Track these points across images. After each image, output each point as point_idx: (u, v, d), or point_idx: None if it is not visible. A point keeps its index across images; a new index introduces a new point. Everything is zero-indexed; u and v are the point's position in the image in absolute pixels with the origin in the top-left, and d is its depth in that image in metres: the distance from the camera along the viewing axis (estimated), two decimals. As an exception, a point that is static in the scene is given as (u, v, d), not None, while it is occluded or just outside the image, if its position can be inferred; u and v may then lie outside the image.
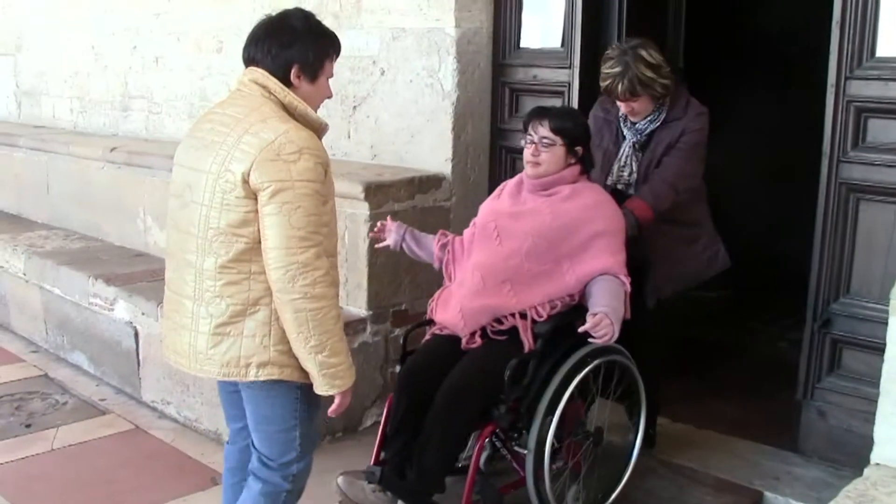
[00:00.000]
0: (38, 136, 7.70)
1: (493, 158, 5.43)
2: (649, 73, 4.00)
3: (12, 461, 4.64)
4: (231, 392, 3.21)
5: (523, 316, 3.66)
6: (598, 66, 4.23)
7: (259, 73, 2.95)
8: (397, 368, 3.89)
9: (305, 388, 2.99)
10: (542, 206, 3.77)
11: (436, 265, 4.03)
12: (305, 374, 2.95)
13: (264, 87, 2.94)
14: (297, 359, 2.92)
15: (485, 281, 3.71)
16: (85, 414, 5.28)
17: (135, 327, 5.40)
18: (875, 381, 3.91)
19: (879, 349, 3.89)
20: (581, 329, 3.48)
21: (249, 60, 3.00)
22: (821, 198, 4.21)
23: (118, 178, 6.63)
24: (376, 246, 4.21)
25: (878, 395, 3.74)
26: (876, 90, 4.00)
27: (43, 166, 7.44)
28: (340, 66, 5.47)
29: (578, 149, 3.79)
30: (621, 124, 4.27)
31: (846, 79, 4.07)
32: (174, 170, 3.09)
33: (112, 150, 6.67)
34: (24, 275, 6.43)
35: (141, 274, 5.82)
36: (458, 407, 3.56)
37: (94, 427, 5.10)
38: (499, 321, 3.69)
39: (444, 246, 3.99)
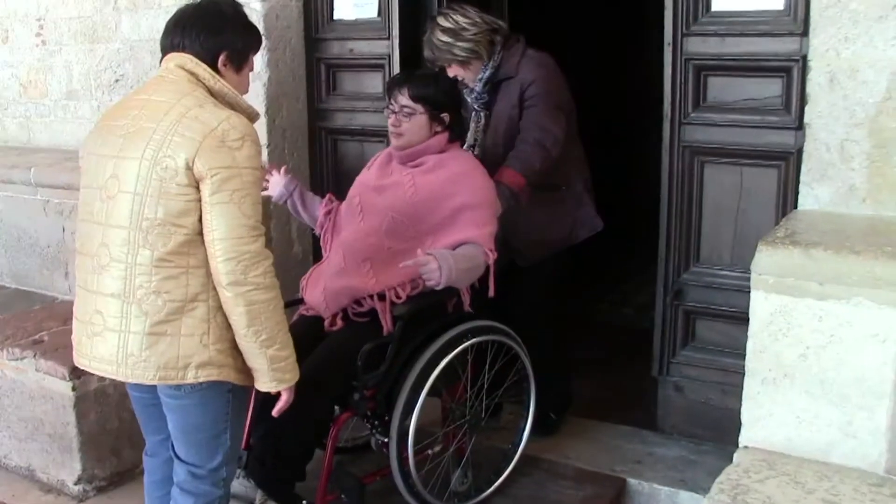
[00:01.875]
0: None
1: (313, 141, 5.11)
2: (445, 38, 3.92)
3: None
4: (148, 405, 3.08)
5: (382, 297, 3.51)
6: (420, 36, 4.11)
7: (187, 59, 2.88)
8: None
9: (236, 389, 2.92)
10: (405, 178, 3.62)
11: (317, 231, 3.89)
12: (241, 374, 2.87)
13: (193, 74, 2.86)
14: (233, 358, 2.83)
15: (346, 260, 3.59)
16: None
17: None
18: (731, 350, 3.97)
19: (734, 317, 3.94)
20: (402, 264, 3.37)
21: (173, 46, 2.92)
22: (664, 162, 4.06)
23: None
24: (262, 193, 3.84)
25: (734, 365, 3.76)
26: (714, 46, 3.85)
27: None
28: (136, 49, 5.17)
29: (444, 116, 3.61)
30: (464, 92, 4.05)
31: (683, 35, 3.91)
32: (86, 160, 2.93)
33: None
34: None
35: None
36: (311, 394, 3.29)
37: None
38: (359, 303, 3.55)
39: (328, 213, 3.83)
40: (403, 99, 3.57)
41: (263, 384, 2.87)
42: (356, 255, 3.58)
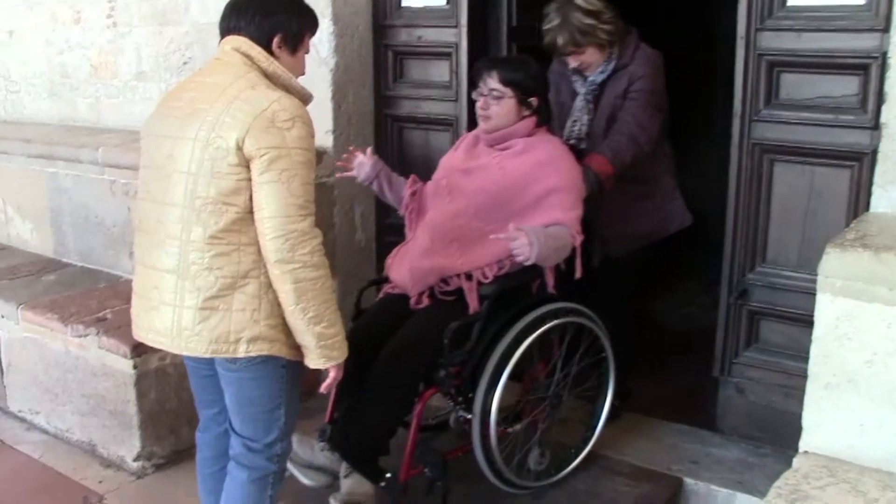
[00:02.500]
0: None
1: (378, 128, 5.09)
2: (588, 21, 3.90)
3: None
4: (205, 376, 3.14)
5: (469, 277, 3.58)
6: (487, 24, 4.20)
7: (242, 41, 2.92)
8: (349, 325, 3.67)
9: (290, 364, 2.97)
10: (492, 162, 3.65)
11: (401, 211, 3.90)
12: (293, 349, 2.92)
13: (247, 56, 2.91)
14: (285, 334, 2.89)
15: (433, 240, 3.65)
16: (-59, 433, 4.83)
17: (-6, 332, 4.96)
18: (794, 353, 3.89)
19: (798, 320, 3.86)
20: (493, 236, 3.41)
21: (229, 30, 2.97)
22: (733, 160, 3.98)
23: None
24: (338, 175, 4.01)
25: (797, 368, 3.71)
26: (788, 42, 3.75)
27: None
28: (203, 32, 5.19)
29: (532, 100, 3.62)
30: (572, 78, 4.14)
31: (756, 30, 3.82)
32: (146, 140, 3.00)
33: (-37, 134, 6.19)
34: None
35: (1, 271, 5.38)
36: (398, 370, 3.49)
37: (-49, 448, 4.67)
38: (446, 282, 3.63)
39: (413, 194, 3.85)
40: (493, 82, 3.58)
41: (312, 361, 2.92)
42: (444, 235, 3.64)
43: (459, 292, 3.59)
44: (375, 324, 3.67)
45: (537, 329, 3.60)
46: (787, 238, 3.93)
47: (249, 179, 2.75)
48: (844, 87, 3.68)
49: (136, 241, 3.03)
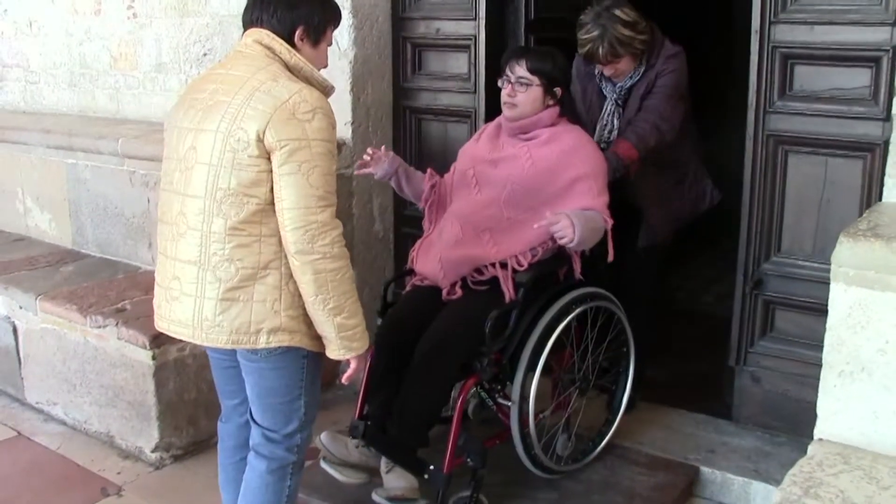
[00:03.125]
0: None
1: (397, 120, 5.12)
2: (628, 32, 3.94)
3: None
4: (227, 367, 3.15)
5: (503, 265, 3.60)
6: (505, 17, 4.25)
7: (264, 34, 2.93)
8: (378, 321, 3.78)
9: (311, 355, 3.00)
10: (520, 151, 3.72)
11: (421, 205, 3.95)
12: (314, 340, 2.94)
13: (269, 49, 2.92)
14: (306, 325, 2.90)
15: (463, 231, 3.68)
16: (-39, 423, 4.87)
17: (13, 322, 4.96)
18: (810, 342, 3.89)
19: (813, 309, 3.87)
20: (538, 225, 3.44)
21: (251, 22, 2.98)
22: (748, 151, 4.01)
23: (-8, 156, 6.20)
24: (356, 173, 3.96)
25: (812, 357, 3.68)
26: (802, 35, 3.78)
27: None
28: (224, 24, 5.22)
29: (557, 90, 3.72)
30: (601, 82, 4.21)
31: (770, 23, 3.84)
32: (169, 132, 3.01)
33: (-17, 125, 6.23)
34: None
35: (19, 262, 5.43)
36: (438, 360, 3.50)
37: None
38: (479, 271, 3.65)
39: (433, 186, 3.91)
40: (521, 70, 3.65)
41: (333, 352, 2.93)
42: (475, 225, 3.67)
43: (492, 281, 3.61)
44: (407, 318, 3.68)
45: (570, 313, 3.67)
46: (802, 228, 3.95)
47: (270, 171, 2.76)
48: (856, 79, 3.71)
49: (158, 231, 3.05)
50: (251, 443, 3.14)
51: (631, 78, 4.10)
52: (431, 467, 3.49)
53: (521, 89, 3.65)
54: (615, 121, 4.15)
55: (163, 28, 5.58)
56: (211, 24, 5.32)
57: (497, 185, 3.70)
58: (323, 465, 3.60)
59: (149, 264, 5.12)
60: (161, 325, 3.05)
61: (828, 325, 3.12)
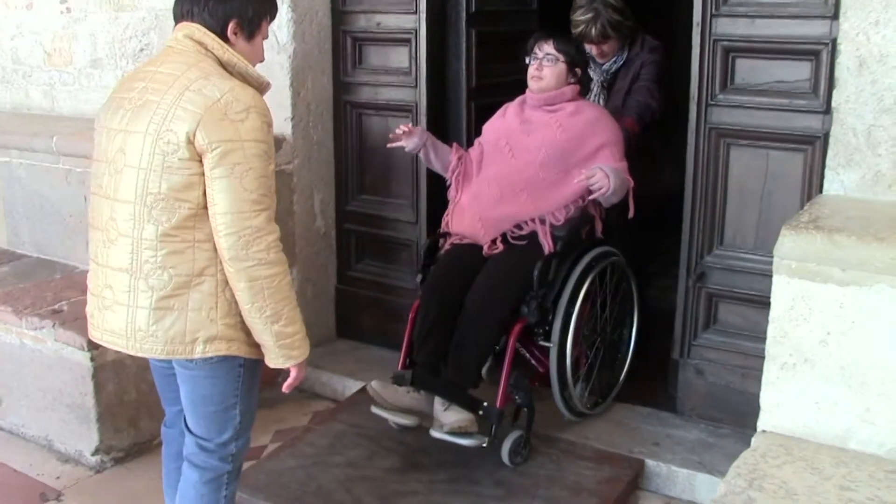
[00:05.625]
0: None
1: (338, 115, 5.08)
2: (617, 17, 4.51)
3: None
4: (168, 374, 3.07)
5: (542, 221, 4.00)
6: (446, 11, 4.42)
7: (195, 28, 2.82)
8: (418, 278, 4.19)
9: (248, 363, 2.91)
10: (550, 120, 4.10)
11: (448, 175, 4.26)
12: (252, 348, 2.86)
13: (200, 44, 2.81)
14: (244, 332, 2.82)
15: (502, 191, 4.06)
16: None
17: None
18: (752, 334, 3.97)
19: (756, 301, 3.92)
20: (578, 180, 3.89)
21: (182, 15, 2.87)
22: (690, 144, 4.02)
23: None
24: (389, 146, 4.31)
25: (754, 349, 3.82)
26: (743, 28, 3.80)
27: None
28: (161, 18, 5.12)
29: (577, 70, 4.16)
30: (589, 66, 4.48)
31: (712, 16, 3.86)
32: (98, 133, 2.91)
33: None
34: None
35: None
36: (490, 308, 3.87)
37: None
38: (519, 227, 4.04)
39: (459, 158, 4.24)
40: (548, 48, 4.08)
41: (272, 360, 2.86)
42: (513, 186, 4.05)
43: (530, 236, 4.00)
44: (453, 271, 4.05)
45: (597, 266, 4.12)
46: (744, 220, 3.97)
47: (202, 174, 2.67)
48: (797, 72, 3.73)
49: (89, 237, 2.97)
50: (185, 452, 3.06)
51: (615, 62, 4.66)
52: (485, 404, 3.82)
53: (548, 64, 4.07)
54: (601, 101, 4.62)
55: (98, 22, 5.49)
56: (147, 19, 5.24)
57: (532, 149, 4.06)
58: (374, 410, 3.94)
59: (87, 264, 4.85)
60: (95, 334, 2.97)
61: (770, 318, 3.17)
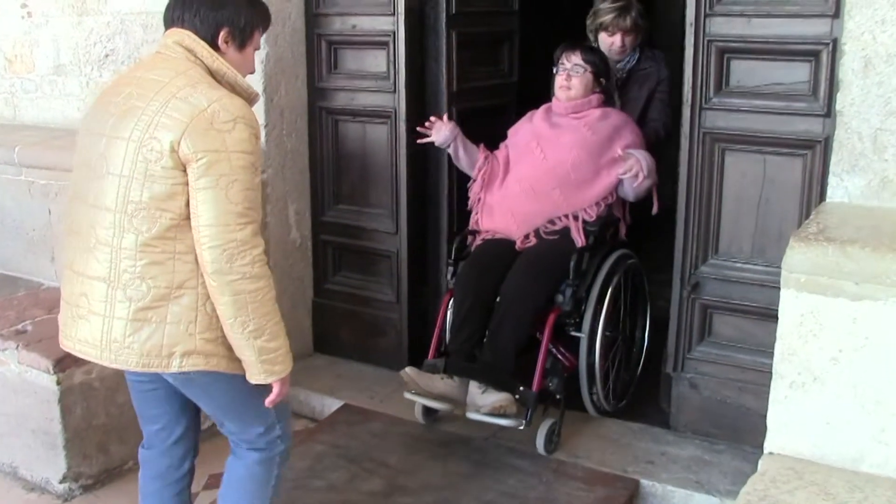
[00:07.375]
0: None
1: (313, 122, 4.94)
2: (639, 18, 4.70)
3: None
4: (148, 390, 3.02)
5: (575, 217, 4.19)
6: (425, 12, 4.39)
7: (185, 35, 2.80)
8: (449, 272, 4.38)
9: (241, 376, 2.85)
10: (578, 125, 4.30)
11: (474, 173, 4.44)
12: (233, 363, 2.80)
13: (190, 51, 2.79)
14: (225, 347, 2.77)
15: (534, 189, 4.24)
16: None
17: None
18: (748, 346, 3.91)
19: (752, 312, 3.85)
20: (619, 175, 4.14)
21: (172, 21, 2.84)
22: (683, 150, 3.93)
23: None
24: (418, 141, 4.44)
25: (752, 362, 3.85)
26: (739, 28, 3.70)
27: None
28: (126, 23, 4.96)
29: (602, 80, 4.37)
30: None
31: (706, 16, 3.76)
32: (81, 138, 2.88)
33: None
34: None
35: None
36: (526, 296, 4.03)
37: None
38: (552, 222, 4.23)
39: (486, 158, 4.41)
40: (576, 58, 4.29)
41: (253, 376, 2.79)
42: (546, 184, 4.22)
43: (561, 231, 4.19)
44: (486, 263, 4.21)
45: (622, 266, 4.35)
46: (740, 229, 3.88)
47: (186, 184, 2.62)
48: (795, 73, 3.65)
49: (66, 244, 2.88)
50: (232, 448, 3.07)
51: (628, 62, 4.77)
52: (521, 388, 3.94)
53: (576, 75, 4.28)
54: (615, 99, 4.68)
55: (60, 28, 5.32)
56: (112, 23, 5.07)
57: (563, 149, 4.23)
58: (407, 395, 4.08)
59: (52, 280, 4.89)
60: (67, 344, 2.89)
61: (778, 334, 3.05)
